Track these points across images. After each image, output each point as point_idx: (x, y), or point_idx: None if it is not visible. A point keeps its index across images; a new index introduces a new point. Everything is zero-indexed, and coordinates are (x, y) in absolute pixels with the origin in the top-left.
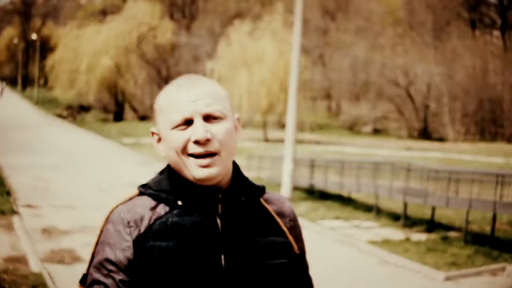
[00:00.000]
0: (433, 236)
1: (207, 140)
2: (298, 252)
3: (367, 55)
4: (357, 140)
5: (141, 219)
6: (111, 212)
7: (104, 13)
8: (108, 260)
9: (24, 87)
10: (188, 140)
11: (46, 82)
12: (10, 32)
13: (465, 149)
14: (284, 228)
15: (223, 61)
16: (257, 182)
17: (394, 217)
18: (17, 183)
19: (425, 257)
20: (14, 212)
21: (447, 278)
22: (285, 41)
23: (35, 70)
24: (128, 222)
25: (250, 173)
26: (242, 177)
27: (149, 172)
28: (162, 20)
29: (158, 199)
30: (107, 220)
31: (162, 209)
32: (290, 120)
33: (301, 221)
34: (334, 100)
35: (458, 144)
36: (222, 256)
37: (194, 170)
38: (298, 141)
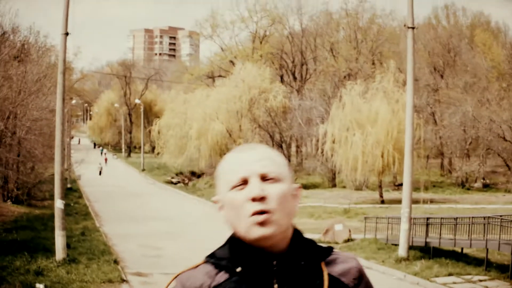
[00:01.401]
0: None
1: (263, 198)
2: None
3: (475, 111)
4: (469, 196)
5: (201, 287)
6: (174, 278)
7: (210, 77)
8: None
9: (128, 153)
10: (245, 199)
11: (152, 148)
12: (110, 96)
13: None
14: None
15: (336, 123)
16: (373, 243)
17: (503, 269)
18: (125, 251)
19: None
20: (122, 280)
21: None
22: (397, 100)
23: (139, 135)
24: None
25: (366, 235)
26: (303, 242)
27: None
28: (272, 83)
29: (219, 267)
30: (170, 284)
31: (221, 276)
32: (406, 181)
33: (416, 280)
34: (446, 157)
35: None
36: None
37: (251, 229)
38: (413, 201)
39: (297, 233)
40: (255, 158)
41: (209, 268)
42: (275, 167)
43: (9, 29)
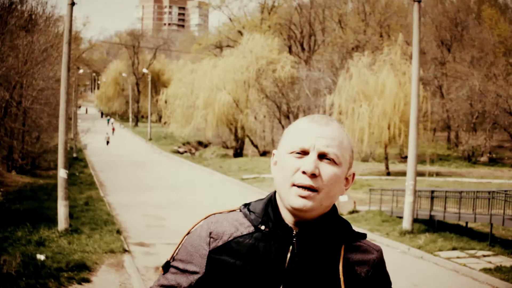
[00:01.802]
0: None
1: (313, 175)
2: None
3: (482, 85)
4: (474, 170)
5: (224, 233)
6: (206, 217)
7: (218, 47)
8: (183, 260)
9: (136, 122)
10: (298, 169)
11: (160, 117)
12: (118, 65)
13: None
14: (342, 279)
15: (343, 94)
16: (377, 215)
17: (507, 244)
18: (128, 221)
19: None
20: (124, 250)
21: None
22: (404, 72)
23: (146, 105)
24: (211, 233)
25: (371, 207)
26: (333, 220)
27: None
28: (280, 53)
29: (248, 219)
30: (199, 222)
31: (246, 228)
32: (411, 153)
33: (420, 253)
34: (453, 130)
35: None
36: (281, 286)
37: (293, 198)
38: (419, 173)
39: (333, 210)
40: (323, 134)
41: (239, 216)
42: (337, 149)
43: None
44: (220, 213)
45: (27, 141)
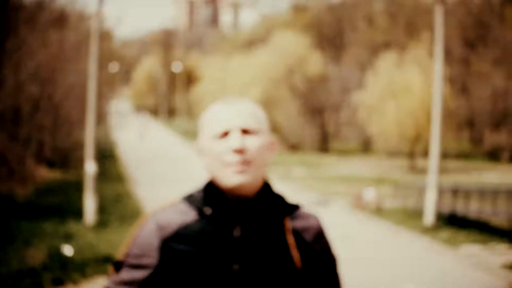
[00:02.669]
0: None
1: (242, 150)
2: (300, 266)
3: (504, 85)
4: (497, 167)
5: (171, 223)
6: (150, 213)
7: (249, 44)
8: (136, 255)
9: (168, 118)
10: (227, 150)
11: (192, 113)
12: (150, 62)
13: None
14: (292, 244)
15: (370, 92)
16: (401, 211)
17: None
18: None
19: None
20: None
21: None
22: (431, 70)
23: (179, 101)
24: (159, 225)
25: (396, 202)
26: (270, 194)
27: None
28: (310, 51)
29: (192, 207)
30: (144, 219)
31: (192, 216)
32: (434, 150)
33: (441, 249)
34: (477, 128)
35: None
36: (235, 266)
37: (230, 177)
38: (443, 170)
39: (267, 185)
40: (239, 112)
41: (183, 207)
42: (255, 122)
43: None
44: (163, 207)
45: (58, 136)
